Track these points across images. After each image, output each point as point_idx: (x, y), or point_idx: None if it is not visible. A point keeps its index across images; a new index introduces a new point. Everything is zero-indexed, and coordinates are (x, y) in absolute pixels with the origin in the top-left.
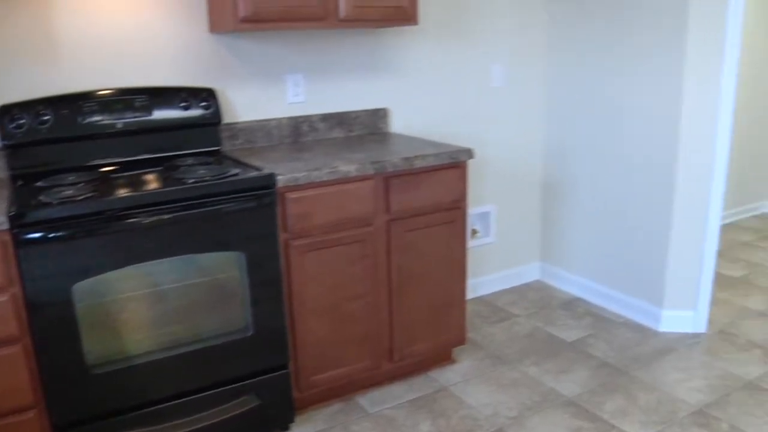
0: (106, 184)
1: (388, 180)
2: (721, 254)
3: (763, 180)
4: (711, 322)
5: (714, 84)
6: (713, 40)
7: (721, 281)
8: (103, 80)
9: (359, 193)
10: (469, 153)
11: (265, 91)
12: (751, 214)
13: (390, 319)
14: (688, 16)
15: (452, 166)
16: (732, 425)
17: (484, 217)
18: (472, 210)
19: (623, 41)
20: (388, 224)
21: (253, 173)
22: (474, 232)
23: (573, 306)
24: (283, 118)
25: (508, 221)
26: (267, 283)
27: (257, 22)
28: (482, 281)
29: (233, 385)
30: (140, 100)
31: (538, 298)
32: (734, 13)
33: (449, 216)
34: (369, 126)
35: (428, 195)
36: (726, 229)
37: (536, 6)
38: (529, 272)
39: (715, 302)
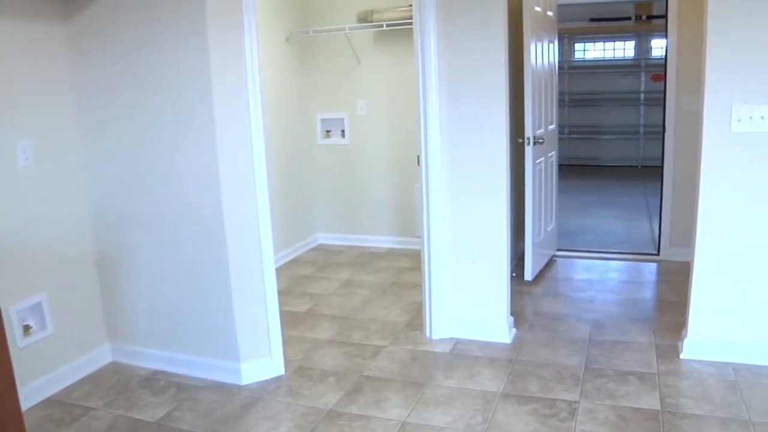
0: None
1: None
2: (288, 292)
3: (315, 215)
4: (288, 362)
5: (246, 141)
6: (237, 99)
7: (290, 319)
8: None
9: None
10: None
11: None
12: (308, 247)
13: None
14: (211, 81)
15: None
16: None
17: (36, 308)
18: (20, 305)
19: (156, 108)
20: None
21: None
22: (27, 328)
23: (153, 381)
24: None
25: (66, 307)
26: None
27: None
28: (49, 380)
29: None
30: None
31: (115, 382)
32: (252, 80)
33: None
34: None
35: None
36: (288, 266)
37: (62, 76)
38: (101, 356)
39: (288, 342)
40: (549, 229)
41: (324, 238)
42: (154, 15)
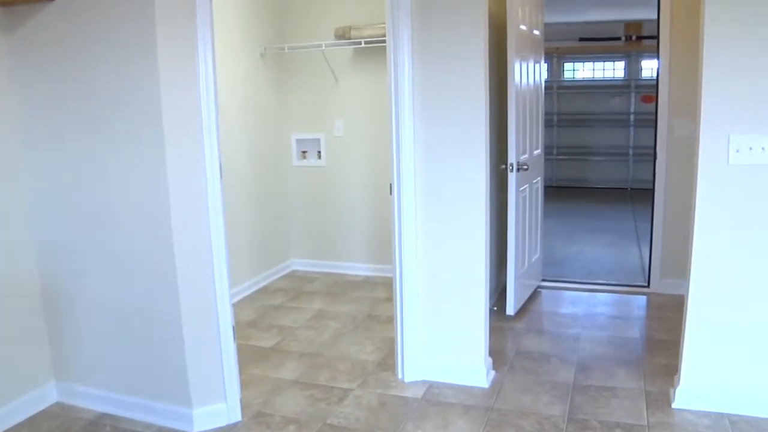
0: None
1: None
2: (254, 324)
3: (288, 240)
4: (245, 407)
5: (199, 172)
6: (191, 131)
7: (254, 355)
8: None
9: None
10: None
11: None
12: (280, 274)
13: None
14: (162, 107)
15: None
16: None
17: None
18: None
19: (104, 134)
20: None
21: None
22: None
23: (98, 426)
24: None
25: (3, 344)
26: None
27: None
28: None
29: None
30: None
31: (57, 425)
32: (207, 103)
33: None
34: None
35: None
36: (258, 294)
37: (5, 93)
38: (45, 396)
39: (249, 382)
40: (533, 259)
41: (298, 264)
42: (101, 32)
